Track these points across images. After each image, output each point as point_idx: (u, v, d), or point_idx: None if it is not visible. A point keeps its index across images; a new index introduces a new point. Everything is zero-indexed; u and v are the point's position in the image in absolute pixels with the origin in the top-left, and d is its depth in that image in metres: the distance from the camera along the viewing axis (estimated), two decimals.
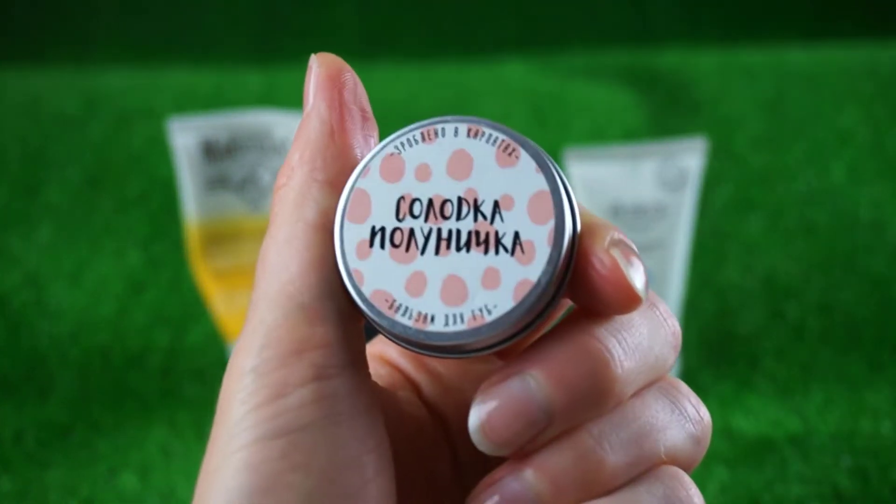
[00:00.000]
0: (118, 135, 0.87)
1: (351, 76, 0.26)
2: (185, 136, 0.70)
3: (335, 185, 0.25)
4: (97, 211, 0.81)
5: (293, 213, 0.25)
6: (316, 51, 0.27)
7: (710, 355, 0.70)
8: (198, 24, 1.10)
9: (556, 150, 0.75)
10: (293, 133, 0.80)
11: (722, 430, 0.63)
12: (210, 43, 1.08)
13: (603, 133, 0.88)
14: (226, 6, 1.11)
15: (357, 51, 1.04)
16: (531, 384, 0.23)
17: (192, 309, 0.74)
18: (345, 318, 0.24)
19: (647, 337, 0.25)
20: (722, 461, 0.61)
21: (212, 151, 0.70)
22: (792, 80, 0.93)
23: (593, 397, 0.24)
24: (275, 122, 0.70)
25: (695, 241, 0.74)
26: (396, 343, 0.24)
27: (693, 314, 0.73)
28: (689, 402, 0.26)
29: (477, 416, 0.24)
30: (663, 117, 0.90)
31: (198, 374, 0.70)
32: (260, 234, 0.71)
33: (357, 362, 0.24)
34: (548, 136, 0.87)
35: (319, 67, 0.26)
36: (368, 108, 0.26)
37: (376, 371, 0.29)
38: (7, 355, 0.71)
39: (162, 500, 0.61)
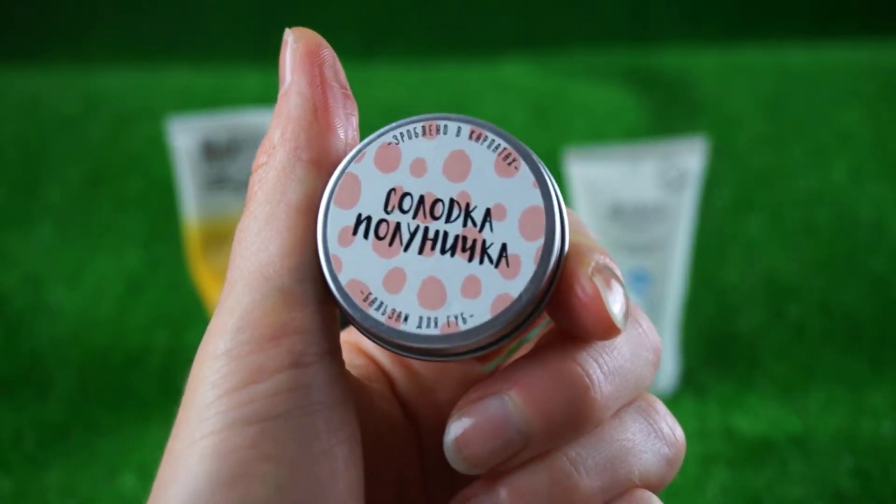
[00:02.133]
0: (118, 135, 0.87)
1: (329, 52, 0.25)
2: (185, 136, 0.70)
3: (320, 165, 0.24)
4: (97, 211, 0.81)
5: (275, 193, 0.24)
6: None
7: (710, 355, 0.70)
8: (198, 24, 1.10)
9: (555, 150, 0.75)
10: None
11: (722, 430, 0.63)
12: (210, 43, 1.08)
13: (603, 133, 0.87)
14: (226, 6, 1.11)
15: (357, 51, 1.04)
16: (509, 405, 0.23)
17: (192, 309, 0.74)
18: (323, 305, 0.23)
19: (628, 359, 0.25)
20: (722, 462, 0.61)
21: (211, 151, 0.70)
22: (793, 79, 0.93)
23: (571, 423, 0.23)
24: None
25: (695, 242, 0.74)
26: (366, 336, 0.24)
27: (693, 314, 0.73)
28: (666, 422, 0.26)
29: (453, 432, 0.23)
30: (663, 117, 0.89)
31: None
32: None
33: (334, 351, 0.24)
34: (548, 136, 0.87)
35: (297, 42, 0.25)
36: (348, 85, 0.25)
37: (351, 361, 0.29)
38: (6, 355, 0.71)
39: None
